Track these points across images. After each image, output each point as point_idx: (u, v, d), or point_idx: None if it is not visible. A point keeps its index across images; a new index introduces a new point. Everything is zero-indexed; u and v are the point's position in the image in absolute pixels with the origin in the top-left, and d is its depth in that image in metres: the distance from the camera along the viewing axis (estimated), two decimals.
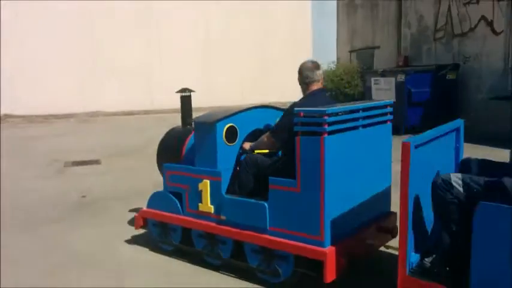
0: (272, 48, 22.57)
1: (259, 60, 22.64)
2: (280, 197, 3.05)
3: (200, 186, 3.49)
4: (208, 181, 3.45)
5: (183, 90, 4.71)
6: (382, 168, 3.41)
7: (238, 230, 3.29)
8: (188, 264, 3.72)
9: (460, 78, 9.81)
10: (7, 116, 17.12)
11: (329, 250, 2.84)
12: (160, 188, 3.97)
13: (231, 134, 3.52)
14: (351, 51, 14.68)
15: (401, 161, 2.40)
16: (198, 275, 3.53)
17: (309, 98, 3.36)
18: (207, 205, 3.47)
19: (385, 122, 3.36)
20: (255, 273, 3.30)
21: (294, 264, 3.07)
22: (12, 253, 4.15)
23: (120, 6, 18.83)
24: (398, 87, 9.85)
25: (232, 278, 3.44)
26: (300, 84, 3.48)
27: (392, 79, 10.12)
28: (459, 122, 3.06)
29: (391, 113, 3.39)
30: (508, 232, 2.00)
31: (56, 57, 17.92)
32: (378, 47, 13.24)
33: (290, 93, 20.24)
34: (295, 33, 22.72)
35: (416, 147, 2.43)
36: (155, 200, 3.95)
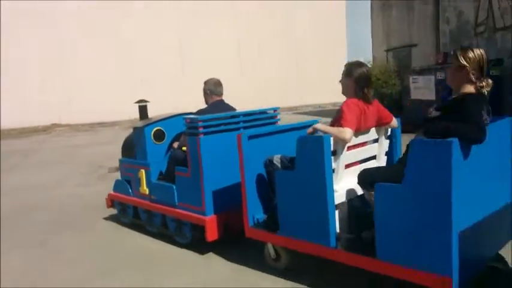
0: (306, 48, 22.39)
1: (294, 61, 22.52)
2: (180, 181, 4.16)
3: (139, 174, 4.70)
4: (143, 170, 4.64)
5: (140, 101, 6.05)
6: None
7: (162, 206, 4.43)
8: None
9: (505, 74, 9.41)
10: (55, 125, 17.71)
11: (208, 218, 3.89)
12: None
13: (159, 135, 4.70)
14: (387, 50, 14.37)
15: (238, 148, 3.51)
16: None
17: (210, 106, 4.42)
18: (144, 188, 4.67)
19: (273, 123, 4.34)
20: (173, 237, 4.42)
21: (191, 229, 4.15)
22: (68, 254, 4.35)
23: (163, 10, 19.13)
24: (438, 85, 9.57)
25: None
26: (204, 95, 4.53)
27: (432, 77, 9.84)
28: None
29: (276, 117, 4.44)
30: (289, 188, 3.24)
31: (101, 66, 18.47)
32: (415, 45, 12.91)
33: (325, 93, 20.27)
34: (330, 34, 22.45)
35: (249, 138, 3.56)
36: (116, 186, 5.16)
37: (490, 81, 2.77)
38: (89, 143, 12.80)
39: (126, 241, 4.64)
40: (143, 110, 5.86)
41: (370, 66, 14.21)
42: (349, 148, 3.13)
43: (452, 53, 2.88)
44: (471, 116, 2.55)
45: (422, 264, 2.57)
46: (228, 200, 3.92)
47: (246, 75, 20.95)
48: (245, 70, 21.08)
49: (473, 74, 2.72)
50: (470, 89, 2.75)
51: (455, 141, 2.45)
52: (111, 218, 5.41)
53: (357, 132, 3.13)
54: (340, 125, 2.99)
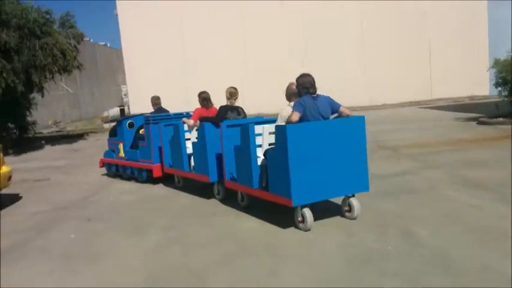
0: (441, 39, 21.54)
1: (427, 52, 21.78)
2: (141, 148, 8.05)
3: (119, 146, 8.63)
4: (121, 144, 8.55)
5: (120, 105, 14.99)
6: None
7: (131, 162, 8.36)
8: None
9: None
10: None
11: (154, 165, 7.74)
12: None
13: (131, 124, 8.57)
14: None
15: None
16: None
17: (155, 111, 8.49)
18: (121, 154, 8.58)
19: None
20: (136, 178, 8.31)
21: (147, 172, 7.97)
22: (193, 240, 4.91)
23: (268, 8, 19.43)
24: None
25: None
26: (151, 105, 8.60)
27: None
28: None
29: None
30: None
31: (220, 62, 19.71)
32: None
33: (460, 86, 19.83)
34: (470, 22, 21.38)
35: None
36: (105, 154, 9.15)
37: None
38: None
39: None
40: (122, 111, 10.97)
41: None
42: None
43: None
44: None
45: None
46: (162, 156, 7.59)
47: (369, 72, 20.81)
48: (368, 66, 20.90)
49: None
50: None
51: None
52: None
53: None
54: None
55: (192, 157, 6.72)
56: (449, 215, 5.03)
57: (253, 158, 5.18)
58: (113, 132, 8.93)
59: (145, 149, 7.83)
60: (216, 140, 5.94)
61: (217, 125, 5.99)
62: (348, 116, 4.99)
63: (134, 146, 8.31)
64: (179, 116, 7.83)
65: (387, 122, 14.33)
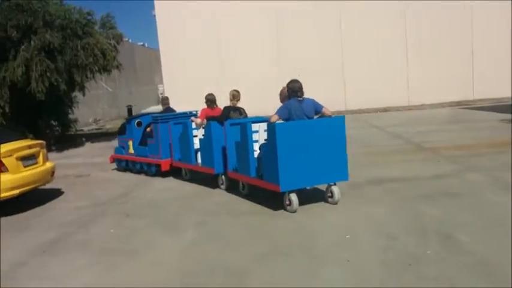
0: (488, 37, 20.98)
1: (469, 51, 21.27)
2: (150, 145, 8.82)
3: (128, 143, 9.37)
4: (131, 141, 9.29)
5: (128, 105, 17.85)
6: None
7: (140, 158, 9.11)
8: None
9: None
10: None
11: (163, 161, 8.46)
12: None
13: (139, 123, 9.30)
14: None
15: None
16: None
17: (164, 110, 9.45)
18: (131, 150, 9.34)
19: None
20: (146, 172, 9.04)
21: (155, 167, 8.71)
22: (228, 237, 4.97)
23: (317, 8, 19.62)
24: None
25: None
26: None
27: None
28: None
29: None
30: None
31: (256, 62, 19.92)
32: None
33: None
34: None
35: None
36: (116, 150, 9.86)
37: None
38: None
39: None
40: (130, 110, 13.26)
41: None
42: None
43: None
44: None
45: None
46: (170, 152, 8.34)
47: (408, 72, 20.61)
48: (408, 66, 20.70)
49: None
50: None
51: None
52: None
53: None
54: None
55: (199, 152, 7.54)
56: (492, 219, 4.86)
57: (250, 151, 6.09)
58: (122, 131, 9.74)
59: (154, 146, 8.59)
60: (220, 136, 6.77)
61: (221, 124, 6.77)
62: (329, 116, 5.87)
63: (142, 143, 9.00)
64: (184, 115, 8.64)
65: (426, 123, 13.98)
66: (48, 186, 7.77)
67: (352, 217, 5.32)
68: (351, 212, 5.52)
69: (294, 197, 5.58)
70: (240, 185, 6.67)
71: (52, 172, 7.67)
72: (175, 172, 8.44)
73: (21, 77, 12.87)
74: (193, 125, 7.73)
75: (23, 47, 13.20)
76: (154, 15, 21.00)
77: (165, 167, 8.39)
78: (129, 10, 76.85)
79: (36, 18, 13.34)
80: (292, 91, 5.81)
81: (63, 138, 16.31)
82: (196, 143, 7.57)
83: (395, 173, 7.42)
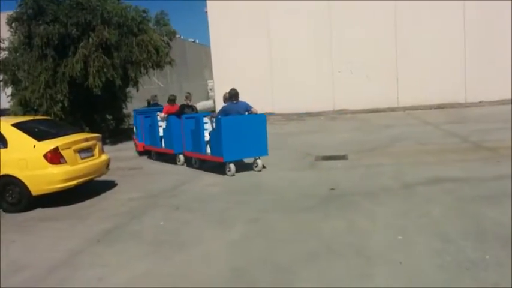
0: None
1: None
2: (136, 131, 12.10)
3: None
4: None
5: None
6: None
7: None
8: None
9: None
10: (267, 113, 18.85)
11: (139, 143, 11.54)
12: None
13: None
14: None
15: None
16: None
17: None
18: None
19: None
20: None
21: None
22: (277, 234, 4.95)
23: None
24: None
25: None
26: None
27: None
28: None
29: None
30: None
31: (307, 59, 19.70)
32: None
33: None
34: None
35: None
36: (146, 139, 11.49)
37: None
38: (299, 132, 13.77)
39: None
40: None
41: None
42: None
43: None
44: None
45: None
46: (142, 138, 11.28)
47: (466, 68, 19.85)
48: (466, 62, 19.89)
49: None
50: None
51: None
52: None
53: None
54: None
55: (163, 138, 10.37)
56: None
57: (202, 136, 8.71)
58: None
59: (137, 132, 11.71)
60: (178, 126, 9.51)
61: (179, 117, 9.53)
62: (255, 113, 8.41)
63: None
64: (159, 109, 11.14)
65: (485, 121, 13.30)
66: (103, 177, 8.06)
67: (407, 217, 5.14)
68: (406, 211, 5.33)
69: (232, 166, 8.09)
70: (193, 160, 9.12)
71: (107, 164, 7.95)
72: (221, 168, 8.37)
73: (79, 72, 13.41)
74: (159, 118, 10.37)
75: (81, 43, 13.72)
76: (206, 12, 21.25)
77: (139, 148, 11.36)
78: (181, 7, 78.40)
79: (95, 16, 13.83)
80: (230, 96, 8.42)
81: (117, 131, 16.87)
82: (161, 132, 10.34)
83: (452, 172, 7.11)
